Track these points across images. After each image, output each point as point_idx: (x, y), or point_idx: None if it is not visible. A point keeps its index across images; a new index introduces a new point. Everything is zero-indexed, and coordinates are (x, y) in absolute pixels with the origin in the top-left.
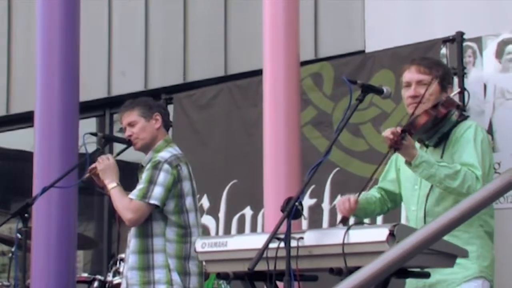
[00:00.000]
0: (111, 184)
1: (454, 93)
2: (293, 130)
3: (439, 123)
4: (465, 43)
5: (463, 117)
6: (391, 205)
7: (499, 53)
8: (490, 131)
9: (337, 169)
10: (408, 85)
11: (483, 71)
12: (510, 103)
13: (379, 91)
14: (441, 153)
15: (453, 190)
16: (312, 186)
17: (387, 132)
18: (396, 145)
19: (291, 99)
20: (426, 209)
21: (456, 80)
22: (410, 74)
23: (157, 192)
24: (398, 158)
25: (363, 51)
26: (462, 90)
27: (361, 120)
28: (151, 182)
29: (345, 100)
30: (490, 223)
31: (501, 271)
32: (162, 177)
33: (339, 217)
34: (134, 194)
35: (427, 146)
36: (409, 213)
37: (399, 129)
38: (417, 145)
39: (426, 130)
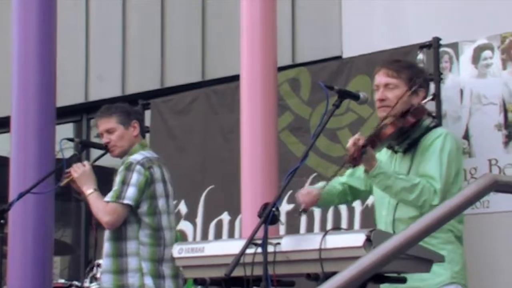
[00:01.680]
0: (88, 190)
1: (426, 99)
2: (270, 136)
3: (408, 131)
4: (441, 49)
5: (434, 124)
6: (351, 198)
7: (475, 59)
8: (466, 136)
9: (314, 174)
10: (377, 88)
11: (459, 76)
12: (486, 109)
13: (355, 97)
14: (410, 160)
15: (409, 203)
16: (290, 192)
17: (350, 143)
18: (354, 162)
19: (268, 104)
20: (396, 215)
21: (433, 86)
22: (379, 78)
23: (130, 192)
24: None
25: (340, 57)
26: (435, 96)
27: (338, 126)
28: (124, 183)
29: (322, 106)
30: (458, 228)
31: (472, 276)
32: (135, 177)
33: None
34: (109, 196)
35: (396, 152)
36: (380, 217)
37: (361, 142)
38: (385, 154)
39: (395, 138)
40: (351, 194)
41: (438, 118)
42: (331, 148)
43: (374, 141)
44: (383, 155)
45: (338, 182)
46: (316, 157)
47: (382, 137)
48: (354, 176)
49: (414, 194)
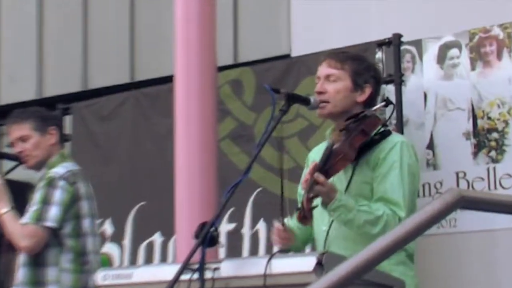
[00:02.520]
0: (2, 210)
1: (378, 106)
2: (209, 145)
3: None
4: (403, 47)
5: (384, 130)
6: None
7: (441, 58)
8: (431, 145)
9: (259, 189)
10: (318, 80)
11: (423, 78)
12: (453, 114)
13: (306, 101)
14: (351, 169)
15: (372, 237)
16: (231, 209)
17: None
18: (304, 216)
19: (207, 109)
20: (330, 233)
21: (393, 88)
22: (321, 69)
23: (53, 212)
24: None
25: (289, 55)
26: (387, 102)
27: (286, 134)
28: (46, 202)
29: (268, 111)
30: (411, 245)
31: None
32: (58, 195)
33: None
34: (27, 217)
35: None
36: (319, 233)
37: (306, 197)
38: (318, 152)
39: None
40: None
41: (399, 125)
42: (278, 159)
43: (326, 176)
44: (313, 155)
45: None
46: (261, 170)
47: (335, 172)
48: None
49: (378, 227)
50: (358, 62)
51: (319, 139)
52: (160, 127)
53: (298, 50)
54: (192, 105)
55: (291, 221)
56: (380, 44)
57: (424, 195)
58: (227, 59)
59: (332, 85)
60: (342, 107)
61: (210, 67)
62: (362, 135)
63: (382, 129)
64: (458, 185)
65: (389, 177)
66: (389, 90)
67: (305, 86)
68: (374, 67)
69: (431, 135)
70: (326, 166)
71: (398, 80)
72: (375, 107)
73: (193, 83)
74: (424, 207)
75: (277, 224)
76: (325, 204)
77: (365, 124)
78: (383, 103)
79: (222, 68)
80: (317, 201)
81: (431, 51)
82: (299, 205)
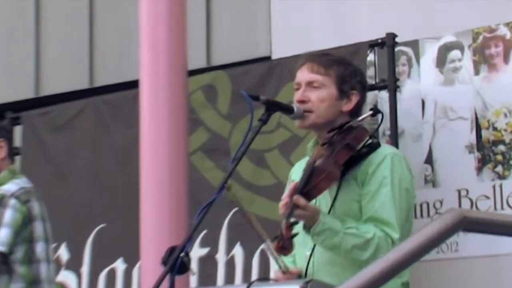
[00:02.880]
0: None
1: (365, 115)
2: (178, 159)
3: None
4: (398, 48)
5: (371, 142)
6: None
7: (441, 61)
8: (429, 160)
9: (235, 209)
10: (298, 87)
11: (420, 83)
12: (454, 125)
13: (288, 110)
14: (336, 185)
15: (362, 263)
16: (203, 232)
17: (282, 203)
18: (283, 245)
19: (176, 118)
20: (327, 255)
21: (386, 95)
22: (301, 74)
23: (3, 235)
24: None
25: (269, 58)
26: (375, 111)
27: (266, 147)
28: None
29: (246, 120)
30: (406, 272)
31: None
32: (9, 215)
33: None
34: None
35: None
36: (301, 258)
37: (285, 224)
38: (299, 168)
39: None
40: None
41: (393, 137)
42: (257, 175)
43: (310, 194)
44: (296, 171)
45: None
46: (239, 187)
47: (317, 194)
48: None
49: (369, 251)
50: (343, 66)
51: (303, 152)
52: (123, 139)
53: (279, 51)
54: (160, 114)
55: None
56: (372, 45)
57: (422, 215)
58: (199, 62)
59: (315, 93)
60: (326, 117)
61: (180, 71)
62: (347, 150)
63: (370, 141)
64: (460, 204)
65: (380, 195)
66: (382, 97)
67: (287, 92)
68: (360, 71)
69: (430, 148)
70: (308, 187)
71: (392, 85)
72: (361, 117)
73: (160, 89)
74: (421, 229)
75: (277, 273)
76: (307, 228)
77: (351, 137)
78: (370, 112)
79: (193, 72)
80: (299, 227)
81: (429, 53)
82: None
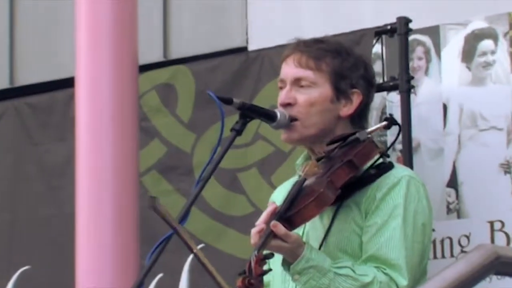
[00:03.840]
0: None
1: (376, 126)
2: (126, 181)
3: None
4: (412, 37)
5: (385, 165)
6: None
7: (468, 54)
8: (453, 182)
9: (200, 246)
10: (282, 86)
11: (441, 83)
12: (485, 137)
13: (269, 116)
14: (332, 212)
15: None
16: (159, 276)
17: (254, 230)
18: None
19: (123, 128)
20: None
21: (397, 98)
22: (286, 68)
23: None
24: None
25: (245, 49)
26: (390, 122)
27: (241, 165)
28: None
29: (215, 130)
30: None
31: None
32: None
33: None
34: None
35: None
36: None
37: (256, 257)
38: (284, 190)
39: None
40: None
41: (406, 153)
42: (229, 202)
43: (293, 220)
44: (279, 195)
45: None
46: (205, 217)
47: (302, 222)
48: None
49: None
50: (341, 57)
51: (289, 172)
52: (53, 155)
53: (258, 41)
54: (102, 122)
55: None
56: (379, 32)
57: (443, 255)
58: (154, 55)
59: (303, 94)
60: (317, 126)
61: (128, 66)
62: (348, 169)
63: (381, 159)
64: (492, 240)
65: (387, 228)
66: (391, 101)
67: (269, 93)
68: (364, 63)
69: (454, 168)
70: (291, 211)
71: (405, 85)
72: (371, 128)
73: (102, 90)
74: (442, 272)
75: None
76: (286, 264)
77: (355, 153)
78: (384, 123)
79: (146, 68)
80: (273, 262)
81: (453, 44)
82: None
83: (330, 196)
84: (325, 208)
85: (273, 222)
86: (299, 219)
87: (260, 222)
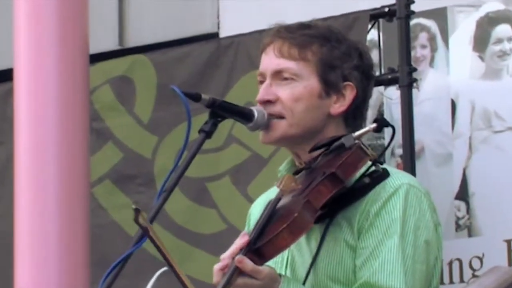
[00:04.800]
0: None
1: (363, 130)
2: (74, 192)
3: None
4: (414, 21)
5: (379, 174)
6: None
7: (481, 41)
8: (463, 194)
9: (163, 269)
10: (262, 79)
11: (449, 75)
12: (501, 139)
13: (245, 115)
14: (319, 233)
15: None
16: None
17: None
18: None
19: (71, 129)
20: None
21: (397, 94)
22: (266, 59)
23: None
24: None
25: (216, 35)
26: (381, 123)
27: (211, 173)
28: None
29: (180, 132)
30: None
31: None
32: None
33: None
34: None
35: None
36: None
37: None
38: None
39: None
40: None
41: (408, 158)
42: (196, 217)
43: (264, 253)
44: (259, 210)
45: None
46: (168, 236)
47: (274, 253)
48: None
49: None
50: (330, 44)
51: (268, 182)
52: None
53: (231, 26)
54: (45, 121)
55: None
56: (375, 15)
57: (451, 280)
58: (108, 43)
59: (285, 89)
60: (304, 126)
61: (77, 56)
62: (331, 184)
63: (373, 167)
64: (510, 262)
65: (382, 250)
66: (390, 97)
67: (244, 87)
68: (359, 50)
69: (464, 176)
70: (261, 241)
71: (406, 79)
72: (358, 132)
73: (46, 84)
74: None
75: None
76: None
77: (340, 164)
78: (373, 126)
79: (98, 58)
80: None
81: (463, 29)
82: None
83: (308, 219)
84: (303, 235)
85: (238, 257)
86: (271, 250)
87: (224, 257)
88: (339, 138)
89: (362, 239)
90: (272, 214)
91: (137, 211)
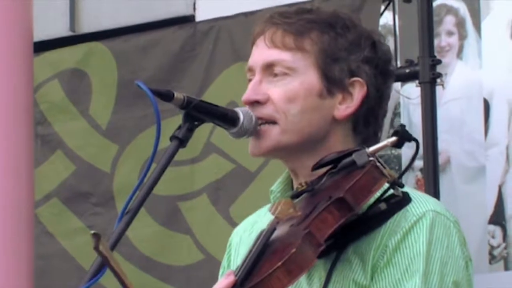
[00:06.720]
0: None
1: (380, 144)
2: (16, 214)
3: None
4: (438, 1)
5: (398, 199)
6: None
7: None
8: (499, 218)
9: None
10: (252, 76)
11: (481, 69)
12: None
13: (227, 119)
14: (322, 268)
15: None
16: None
17: None
18: None
19: (11, 135)
20: None
21: (416, 91)
22: (257, 50)
23: None
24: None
25: (191, 18)
26: (402, 136)
27: (185, 190)
28: None
29: (146, 139)
30: None
31: None
32: None
33: None
34: None
35: None
36: None
37: None
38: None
39: None
40: None
41: (430, 172)
42: (167, 245)
43: None
44: (242, 237)
45: None
46: (132, 268)
47: None
48: None
49: None
50: (334, 31)
51: (256, 202)
52: None
53: (210, 7)
54: None
55: None
56: None
57: None
58: (57, 28)
59: (277, 86)
60: (303, 131)
61: (18, 44)
62: (338, 212)
63: (391, 190)
64: None
65: None
66: (408, 96)
67: (227, 83)
68: (371, 38)
69: (500, 194)
70: (250, 282)
71: (427, 73)
72: (374, 147)
73: None
74: None
75: None
76: None
77: (350, 187)
78: (393, 139)
79: (45, 46)
80: None
81: (499, 13)
82: None
83: (309, 256)
84: (302, 275)
85: None
86: None
87: None
88: (349, 153)
89: (376, 280)
90: (264, 248)
91: (96, 237)
